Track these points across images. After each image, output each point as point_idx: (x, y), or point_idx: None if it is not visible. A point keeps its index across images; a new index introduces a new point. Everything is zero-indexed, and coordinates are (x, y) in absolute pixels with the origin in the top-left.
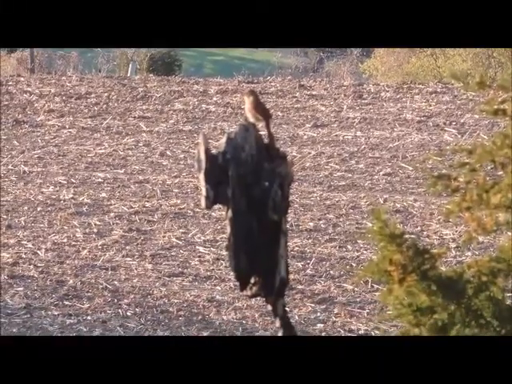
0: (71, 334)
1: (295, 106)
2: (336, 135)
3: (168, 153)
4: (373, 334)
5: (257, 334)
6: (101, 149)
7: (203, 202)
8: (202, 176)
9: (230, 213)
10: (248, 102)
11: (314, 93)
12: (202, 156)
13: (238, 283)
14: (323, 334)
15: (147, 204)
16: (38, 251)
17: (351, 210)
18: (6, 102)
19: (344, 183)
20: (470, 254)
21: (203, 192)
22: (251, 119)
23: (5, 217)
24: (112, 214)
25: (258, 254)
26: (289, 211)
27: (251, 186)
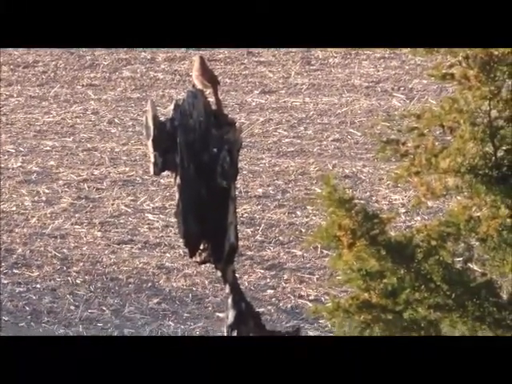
0: (21, 302)
1: (243, 72)
2: (284, 101)
3: (116, 120)
4: (323, 300)
5: (207, 300)
6: (49, 117)
7: (152, 169)
8: (150, 143)
9: (178, 179)
10: (195, 69)
11: (261, 59)
12: (150, 123)
13: (187, 249)
14: (273, 300)
15: (96, 172)
16: None
17: (300, 176)
18: None
19: (293, 149)
20: (419, 218)
21: (152, 159)
22: (199, 86)
23: None
24: (61, 182)
25: (207, 220)
26: (237, 178)
27: (200, 152)
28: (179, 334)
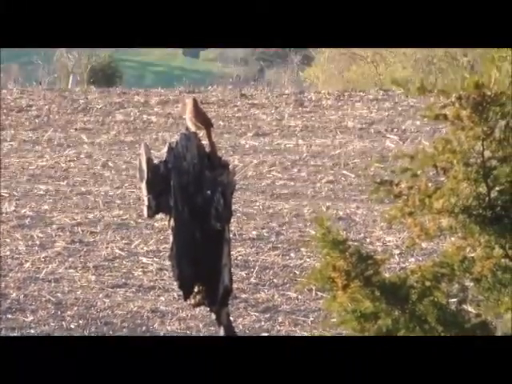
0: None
1: (236, 115)
2: (278, 144)
3: (110, 164)
4: None
5: None
6: (42, 161)
7: (146, 212)
8: (144, 185)
9: (172, 222)
10: (188, 111)
11: (255, 102)
12: (144, 166)
13: (181, 292)
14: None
15: (89, 215)
16: None
17: (294, 219)
18: None
19: (286, 191)
20: (413, 260)
21: (145, 201)
22: (192, 128)
23: None
24: (54, 226)
25: (201, 262)
26: (232, 220)
27: (193, 194)
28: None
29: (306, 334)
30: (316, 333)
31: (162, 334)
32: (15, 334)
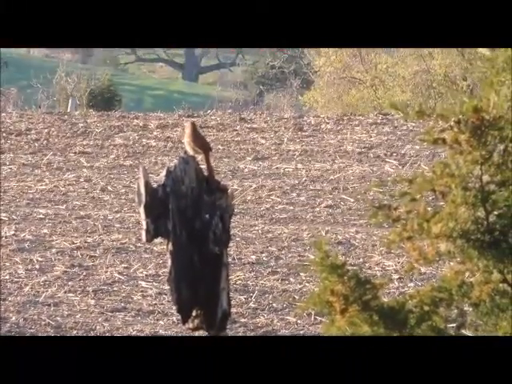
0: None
1: (236, 139)
2: (277, 168)
3: (109, 188)
4: None
5: None
6: (42, 185)
7: (144, 236)
8: (142, 209)
9: (170, 246)
10: (187, 135)
11: (254, 126)
12: (142, 189)
13: (179, 316)
14: None
15: (89, 239)
16: None
17: (293, 243)
18: None
19: (285, 216)
20: (412, 285)
21: (144, 225)
22: (191, 152)
23: None
24: (54, 250)
25: (200, 286)
26: (230, 244)
27: (192, 218)
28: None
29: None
30: None
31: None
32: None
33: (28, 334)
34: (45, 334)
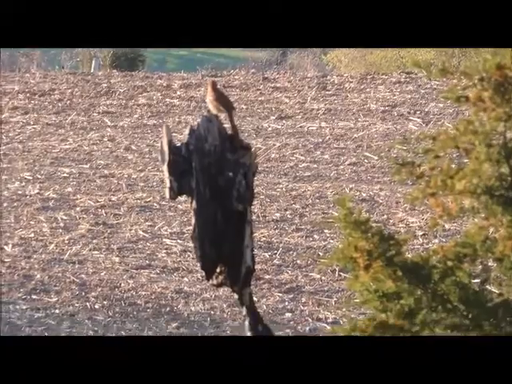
0: (40, 328)
1: (259, 98)
2: (300, 127)
3: (133, 147)
4: (341, 322)
5: (225, 324)
6: (66, 144)
7: (168, 194)
8: (165, 167)
9: (194, 203)
10: (209, 94)
11: (277, 85)
12: (165, 148)
13: (204, 273)
14: (291, 323)
15: (113, 198)
16: (5, 246)
17: (317, 200)
18: None
19: (309, 174)
20: (436, 241)
21: (167, 183)
22: (213, 111)
23: None
24: (78, 209)
25: (223, 243)
26: (254, 202)
27: (215, 176)
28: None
29: (329, 313)
30: (340, 313)
31: (186, 314)
32: (40, 314)
33: (53, 292)
34: (69, 292)
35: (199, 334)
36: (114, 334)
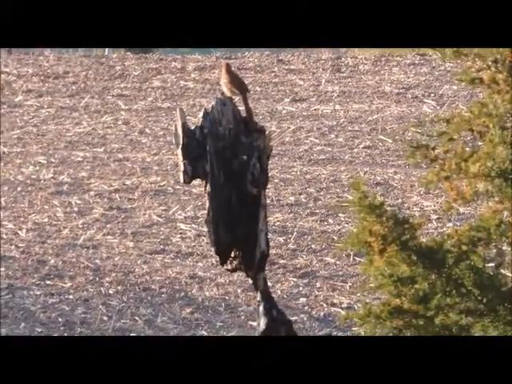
0: (54, 313)
1: (273, 80)
2: (315, 109)
3: (147, 130)
4: (356, 307)
5: (240, 309)
6: (80, 128)
7: (182, 177)
8: (179, 151)
9: (208, 187)
10: (223, 76)
11: (292, 67)
12: (180, 131)
13: (218, 257)
14: (306, 308)
15: (127, 182)
16: (19, 231)
17: (332, 184)
18: None
19: (324, 157)
20: (451, 225)
21: (181, 167)
22: (227, 93)
23: None
24: (92, 193)
25: (238, 227)
26: (269, 186)
27: (229, 159)
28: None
29: (343, 298)
30: (354, 298)
31: (200, 299)
32: (54, 300)
33: (67, 277)
34: (83, 277)
35: (213, 320)
36: (115, 334)
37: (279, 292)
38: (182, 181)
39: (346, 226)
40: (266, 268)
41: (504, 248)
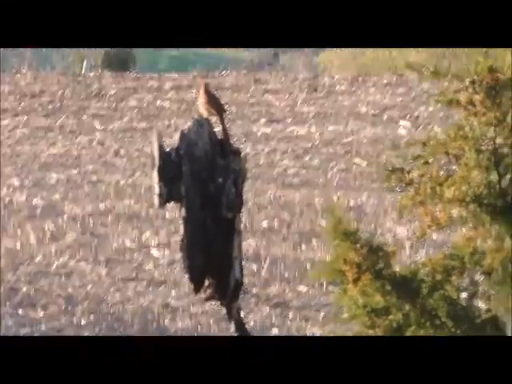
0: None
1: (250, 100)
2: (290, 131)
3: (122, 151)
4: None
5: None
6: (54, 148)
7: (156, 201)
8: (155, 173)
9: (183, 211)
10: (201, 96)
11: (268, 87)
12: (155, 153)
13: (192, 285)
14: None
15: (100, 205)
16: None
17: (305, 208)
18: None
19: (298, 180)
20: (424, 251)
21: (156, 189)
22: (205, 113)
23: None
24: (65, 217)
25: (212, 253)
26: (243, 210)
27: (205, 182)
28: None
29: (316, 329)
30: (327, 328)
31: (173, 330)
32: (26, 331)
33: (39, 306)
34: (56, 306)
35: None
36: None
37: (252, 322)
38: (156, 204)
39: (319, 253)
40: (240, 296)
41: (478, 277)
